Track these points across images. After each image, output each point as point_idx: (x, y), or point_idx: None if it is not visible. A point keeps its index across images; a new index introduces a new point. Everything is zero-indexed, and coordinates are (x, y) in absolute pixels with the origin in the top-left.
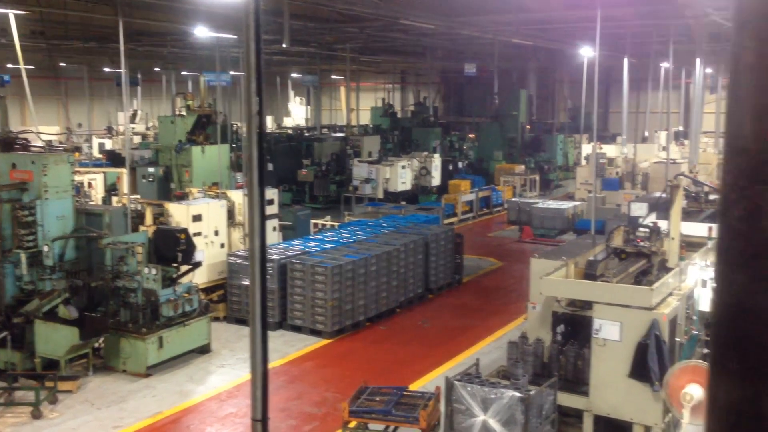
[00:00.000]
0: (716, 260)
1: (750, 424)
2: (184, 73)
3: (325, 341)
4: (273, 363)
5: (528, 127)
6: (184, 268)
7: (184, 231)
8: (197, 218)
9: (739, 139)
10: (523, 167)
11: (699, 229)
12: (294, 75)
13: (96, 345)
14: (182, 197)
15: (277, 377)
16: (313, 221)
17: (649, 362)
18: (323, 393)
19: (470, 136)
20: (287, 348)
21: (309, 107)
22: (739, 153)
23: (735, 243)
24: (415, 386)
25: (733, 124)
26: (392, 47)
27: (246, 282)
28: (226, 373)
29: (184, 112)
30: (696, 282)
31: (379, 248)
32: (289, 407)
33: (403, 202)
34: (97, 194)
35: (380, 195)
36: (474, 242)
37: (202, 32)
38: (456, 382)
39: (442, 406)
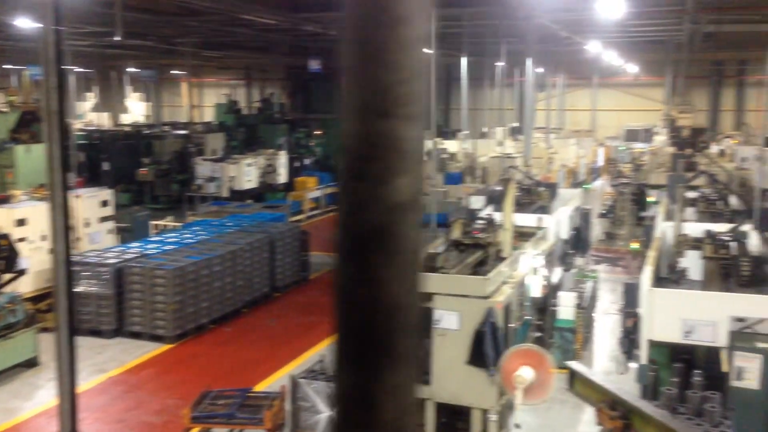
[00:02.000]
0: (334, 252)
1: (363, 411)
2: (6, 66)
3: (166, 347)
4: (109, 372)
5: None
6: (6, 276)
7: (5, 236)
8: (21, 222)
9: (345, 137)
10: None
11: (530, 219)
12: (131, 69)
13: None
14: (4, 200)
15: (114, 387)
16: (153, 222)
17: (485, 349)
18: (164, 400)
19: (317, 132)
20: (125, 356)
21: (149, 103)
22: (345, 151)
23: (344, 236)
24: (261, 387)
25: (342, 122)
26: (235, 42)
27: (78, 289)
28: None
29: (6, 109)
30: (528, 270)
31: (223, 248)
32: (126, 418)
33: (250, 201)
34: None
35: (225, 194)
36: (322, 239)
37: (24, 23)
38: (301, 379)
39: (287, 405)
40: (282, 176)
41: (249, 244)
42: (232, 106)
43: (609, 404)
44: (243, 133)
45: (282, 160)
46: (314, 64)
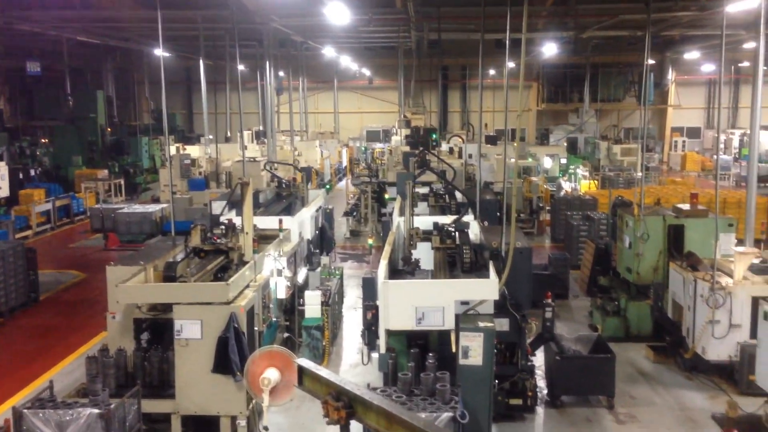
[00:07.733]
0: None
1: None
2: None
3: None
4: None
5: (109, 129)
6: None
7: None
8: None
9: None
10: (106, 172)
11: (271, 222)
12: None
13: None
14: None
15: None
16: None
17: (230, 354)
18: None
19: (43, 140)
20: None
21: None
22: None
23: None
24: None
25: None
26: None
27: None
28: None
29: None
30: (271, 272)
31: None
32: None
33: None
34: None
35: None
36: (54, 255)
37: None
38: (25, 410)
39: None
40: (3, 189)
41: None
42: None
43: (334, 396)
44: None
45: (2, 171)
46: (33, 67)
